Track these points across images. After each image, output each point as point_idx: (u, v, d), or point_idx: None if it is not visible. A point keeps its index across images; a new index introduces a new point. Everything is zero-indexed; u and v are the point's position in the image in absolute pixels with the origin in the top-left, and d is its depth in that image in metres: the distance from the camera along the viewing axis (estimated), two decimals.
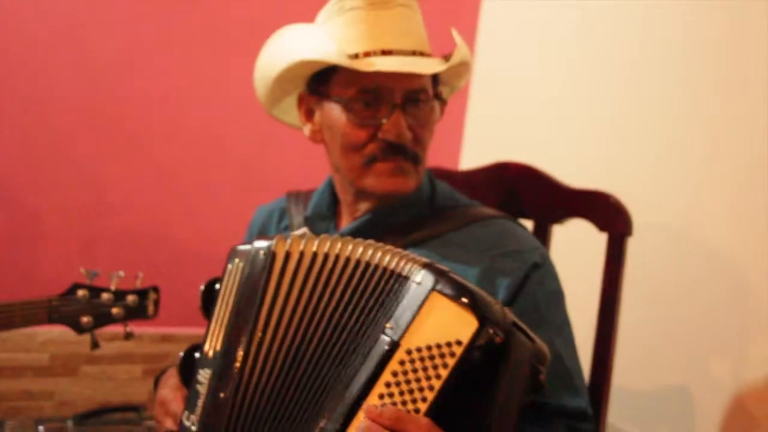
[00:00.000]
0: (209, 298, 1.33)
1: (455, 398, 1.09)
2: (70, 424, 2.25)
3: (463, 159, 2.45)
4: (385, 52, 1.32)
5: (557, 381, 1.34)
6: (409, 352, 1.10)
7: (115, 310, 1.80)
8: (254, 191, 2.37)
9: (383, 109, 1.33)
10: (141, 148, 2.48)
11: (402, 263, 1.16)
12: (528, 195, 1.66)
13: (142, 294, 1.84)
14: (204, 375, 1.27)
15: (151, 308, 1.85)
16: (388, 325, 1.13)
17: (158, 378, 1.54)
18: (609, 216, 1.55)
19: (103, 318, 1.80)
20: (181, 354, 1.33)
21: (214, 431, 1.23)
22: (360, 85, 1.33)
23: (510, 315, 1.12)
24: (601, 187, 1.58)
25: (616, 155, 2.10)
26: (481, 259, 1.34)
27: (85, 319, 1.78)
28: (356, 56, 1.31)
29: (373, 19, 1.33)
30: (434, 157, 1.50)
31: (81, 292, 1.79)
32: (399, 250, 1.20)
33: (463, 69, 1.43)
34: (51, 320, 1.78)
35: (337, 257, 1.20)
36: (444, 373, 1.07)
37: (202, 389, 1.27)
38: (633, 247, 1.55)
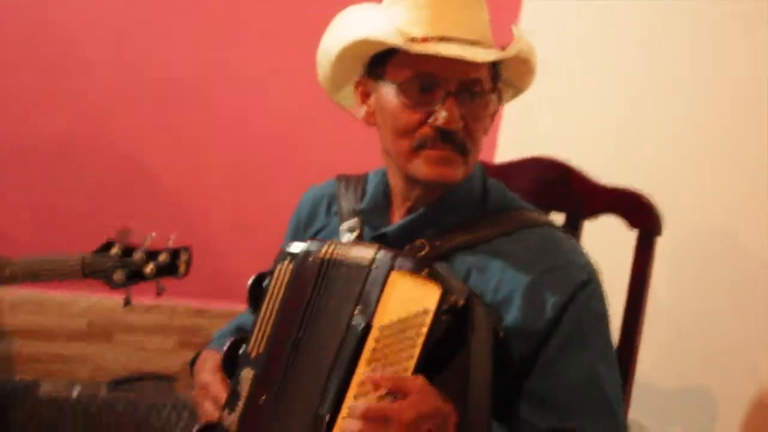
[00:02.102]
0: (256, 294, 1.38)
1: (434, 361, 1.18)
2: (103, 388, 2.32)
3: (498, 151, 2.45)
4: (444, 39, 1.30)
5: (597, 407, 1.32)
6: (382, 330, 1.19)
7: (147, 268, 1.84)
8: (294, 171, 2.42)
9: (437, 96, 1.32)
10: (182, 121, 2.51)
11: (360, 252, 1.28)
12: (561, 190, 1.66)
13: (173, 253, 1.86)
14: (246, 375, 1.33)
15: (182, 267, 1.88)
16: (357, 309, 1.23)
17: (194, 360, 1.57)
18: (640, 214, 1.56)
19: (135, 275, 1.83)
20: (226, 347, 1.37)
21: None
22: (416, 69, 1.32)
23: (465, 284, 1.24)
24: (635, 185, 1.58)
25: (651, 154, 2.09)
26: (529, 272, 1.34)
27: (118, 276, 1.82)
28: (414, 40, 1.31)
29: (436, 6, 1.33)
30: None
31: (115, 249, 1.82)
32: (353, 242, 1.34)
33: (524, 68, 1.41)
34: (84, 275, 1.82)
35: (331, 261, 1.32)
36: (419, 341, 1.16)
37: (243, 391, 1.32)
38: (662, 247, 1.56)
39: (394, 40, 1.31)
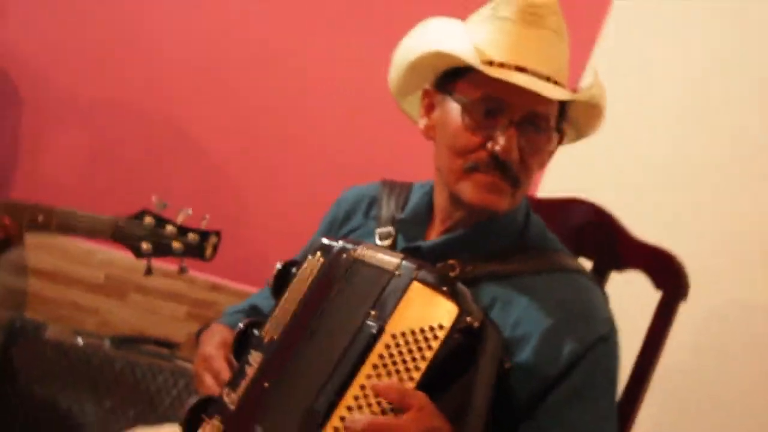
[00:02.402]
0: (282, 280, 1.38)
1: (439, 378, 1.18)
2: (107, 342, 2.33)
3: (544, 184, 2.44)
4: (519, 69, 1.31)
5: None
6: (394, 337, 1.19)
7: (175, 244, 1.85)
8: (336, 170, 2.42)
9: (501, 122, 1.32)
10: (235, 97, 2.54)
11: (385, 258, 1.27)
12: (595, 237, 1.66)
13: (204, 235, 1.87)
14: (255, 358, 1.33)
15: (209, 251, 1.89)
16: (372, 313, 1.22)
17: (201, 331, 1.58)
18: (667, 276, 1.56)
19: (162, 248, 1.85)
20: (241, 326, 1.38)
21: (247, 416, 1.28)
22: (485, 92, 1.32)
23: (481, 307, 1.23)
24: (670, 245, 1.58)
25: (691, 219, 2.08)
26: (552, 315, 1.34)
27: (145, 246, 1.84)
28: (491, 63, 1.31)
29: (519, 34, 1.33)
30: None
31: (148, 219, 1.84)
32: (382, 246, 1.33)
33: (593, 112, 1.41)
34: (113, 238, 1.84)
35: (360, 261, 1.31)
36: (429, 354, 1.17)
37: (250, 372, 1.32)
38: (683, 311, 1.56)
39: (472, 59, 1.31)
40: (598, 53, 2.47)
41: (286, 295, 1.36)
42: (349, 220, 1.60)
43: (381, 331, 1.20)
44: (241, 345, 1.37)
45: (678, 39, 2.28)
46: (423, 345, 1.17)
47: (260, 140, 2.56)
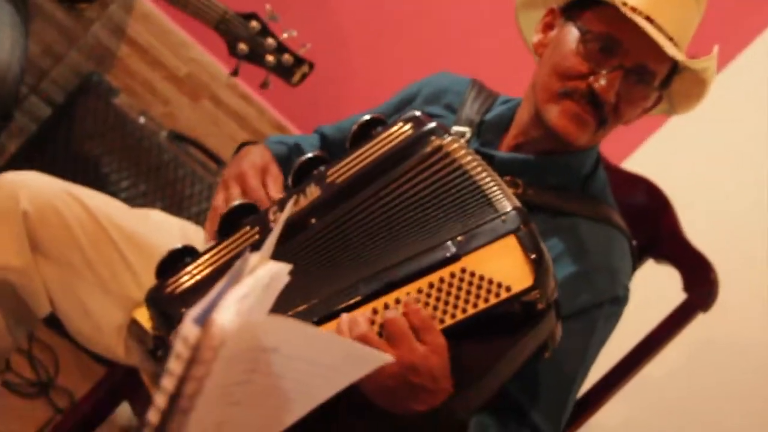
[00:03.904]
0: (364, 132, 1.35)
1: (476, 332, 1.15)
2: (164, 134, 2.40)
3: (630, 159, 2.40)
4: (649, 20, 1.32)
5: (553, 407, 1.35)
6: (463, 271, 1.16)
7: (269, 57, 1.91)
8: (438, 58, 2.40)
9: (611, 63, 1.34)
10: None
11: (500, 196, 1.20)
12: (648, 221, 1.65)
13: (298, 61, 1.93)
14: (312, 191, 1.32)
15: (297, 77, 1.94)
16: (459, 238, 1.18)
17: (244, 144, 1.55)
18: (700, 284, 1.56)
19: (256, 56, 1.91)
20: (311, 155, 1.36)
21: (284, 240, 1.22)
22: (609, 29, 1.34)
23: (556, 292, 1.18)
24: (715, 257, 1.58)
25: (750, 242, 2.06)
26: (582, 261, 1.36)
27: (242, 46, 1.90)
28: (624, 4, 1.32)
29: None
30: (606, 141, 1.47)
31: (254, 23, 1.90)
32: (503, 183, 1.23)
33: (695, 90, 1.43)
34: (217, 28, 1.89)
35: (459, 166, 1.24)
36: (481, 305, 1.14)
37: (303, 202, 1.31)
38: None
39: None
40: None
41: (364, 147, 1.32)
42: (430, 106, 1.60)
43: (456, 258, 1.16)
44: (302, 174, 1.35)
45: None
46: (482, 294, 1.13)
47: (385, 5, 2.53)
